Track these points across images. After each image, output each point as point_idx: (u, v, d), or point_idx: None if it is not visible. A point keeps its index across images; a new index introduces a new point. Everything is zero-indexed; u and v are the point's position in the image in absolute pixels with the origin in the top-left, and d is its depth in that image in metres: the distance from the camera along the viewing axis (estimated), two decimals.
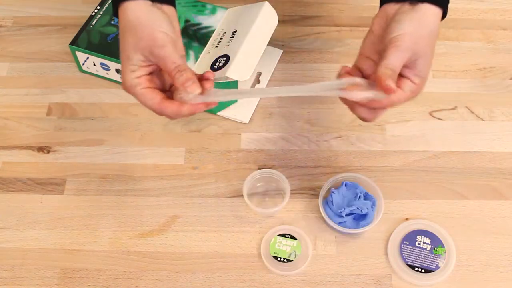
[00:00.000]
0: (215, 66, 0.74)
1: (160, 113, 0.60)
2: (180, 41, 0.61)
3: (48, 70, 0.87)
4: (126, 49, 0.59)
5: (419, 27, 0.59)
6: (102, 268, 0.69)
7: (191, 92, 0.58)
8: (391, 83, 0.56)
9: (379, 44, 0.61)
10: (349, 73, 0.61)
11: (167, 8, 0.62)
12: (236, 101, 0.81)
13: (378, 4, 0.68)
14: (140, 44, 0.58)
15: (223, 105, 0.80)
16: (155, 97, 0.59)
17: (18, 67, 0.87)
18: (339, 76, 0.61)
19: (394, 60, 0.57)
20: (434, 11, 0.61)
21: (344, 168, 0.76)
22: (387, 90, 0.56)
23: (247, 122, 0.80)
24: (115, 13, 0.62)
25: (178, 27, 0.63)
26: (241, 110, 0.81)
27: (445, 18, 0.92)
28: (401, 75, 0.59)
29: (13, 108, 0.83)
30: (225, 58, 0.74)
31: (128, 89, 0.60)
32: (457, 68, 0.85)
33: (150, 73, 0.61)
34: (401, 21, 0.59)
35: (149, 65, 0.60)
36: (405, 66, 0.58)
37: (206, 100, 0.59)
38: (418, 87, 0.59)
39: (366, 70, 0.62)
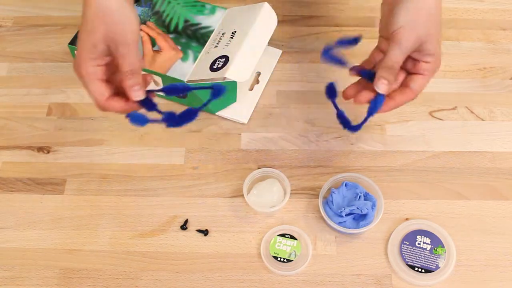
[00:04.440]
0: (214, 67, 0.74)
1: (102, 108, 0.61)
2: (139, 41, 0.63)
3: (48, 70, 0.87)
4: (94, 36, 0.58)
5: (415, 15, 0.62)
6: (102, 268, 0.69)
7: (133, 97, 0.60)
8: (384, 85, 0.63)
9: (386, 30, 0.65)
10: (369, 60, 0.67)
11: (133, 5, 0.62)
12: (235, 101, 0.81)
13: (378, 4, 0.68)
14: (110, 36, 0.59)
15: (222, 104, 0.81)
16: (104, 92, 0.60)
17: (18, 67, 0.87)
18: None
19: (394, 56, 0.62)
20: None
21: (344, 168, 0.76)
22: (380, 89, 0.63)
23: (246, 122, 0.80)
24: None
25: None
26: (240, 110, 0.81)
27: (445, 18, 0.93)
28: (414, 60, 0.64)
29: (13, 108, 0.83)
30: (224, 59, 0.74)
31: (82, 74, 0.60)
32: (457, 68, 0.85)
33: (106, 64, 0.61)
34: (397, 14, 0.62)
35: (108, 56, 0.60)
36: (414, 51, 0.63)
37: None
38: (434, 64, 0.64)
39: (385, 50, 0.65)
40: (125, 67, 0.60)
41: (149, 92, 0.64)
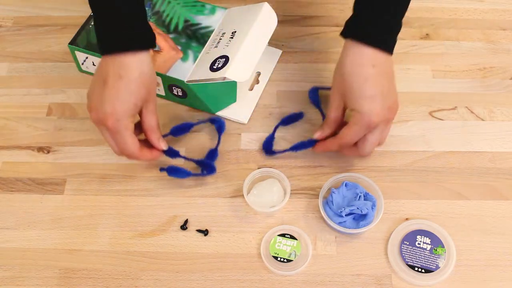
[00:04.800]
0: (214, 67, 0.74)
1: (135, 157, 0.69)
2: None
3: (48, 70, 0.87)
4: (137, 97, 0.66)
5: (337, 75, 0.69)
6: (102, 268, 0.69)
7: (162, 147, 0.72)
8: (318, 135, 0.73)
9: None
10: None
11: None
12: (235, 101, 0.81)
13: None
14: (145, 97, 0.67)
15: (222, 104, 0.81)
16: (137, 143, 0.68)
17: (18, 67, 0.87)
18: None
19: (329, 111, 0.72)
20: (350, 45, 0.68)
21: (344, 168, 0.76)
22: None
23: (246, 122, 0.80)
24: (109, 51, 0.65)
25: None
26: (240, 110, 0.81)
27: (445, 18, 0.93)
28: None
29: (13, 108, 0.83)
30: (224, 59, 0.74)
31: (118, 129, 0.65)
32: (457, 68, 0.85)
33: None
34: (333, 73, 0.71)
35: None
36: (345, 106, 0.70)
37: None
38: (355, 118, 0.67)
39: None
40: (154, 122, 0.70)
41: None
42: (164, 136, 0.75)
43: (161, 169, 0.73)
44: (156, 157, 0.72)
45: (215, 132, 0.79)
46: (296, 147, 0.75)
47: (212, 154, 0.76)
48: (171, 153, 0.74)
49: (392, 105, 0.68)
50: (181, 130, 0.77)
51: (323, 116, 0.79)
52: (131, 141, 0.67)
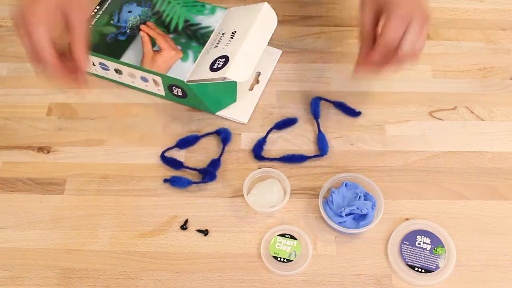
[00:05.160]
0: (214, 67, 0.74)
1: (49, 64, 0.63)
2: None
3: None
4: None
5: None
6: (102, 268, 0.69)
7: (81, 61, 0.65)
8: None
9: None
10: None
11: None
12: (235, 101, 0.81)
13: None
14: (73, 3, 0.63)
15: (222, 104, 0.81)
16: (53, 50, 0.63)
17: (18, 67, 0.87)
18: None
19: (361, 18, 0.70)
20: None
21: (344, 168, 0.76)
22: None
23: (246, 122, 0.80)
24: None
25: None
26: (240, 110, 0.81)
27: (445, 18, 0.93)
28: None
29: (13, 108, 0.83)
30: (224, 59, 0.74)
31: (38, 29, 0.61)
32: (457, 68, 0.85)
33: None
34: None
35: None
36: (382, 13, 0.68)
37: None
38: (392, 9, 0.66)
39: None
40: (82, 33, 0.64)
41: (166, 150, 0.76)
42: (170, 148, 0.76)
43: (165, 180, 0.74)
44: (77, 79, 0.66)
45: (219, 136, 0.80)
46: (286, 159, 0.76)
47: (215, 163, 0.76)
48: (175, 164, 0.76)
49: (423, 8, 0.67)
50: (187, 142, 0.78)
51: (319, 127, 0.78)
52: (46, 46, 0.62)
